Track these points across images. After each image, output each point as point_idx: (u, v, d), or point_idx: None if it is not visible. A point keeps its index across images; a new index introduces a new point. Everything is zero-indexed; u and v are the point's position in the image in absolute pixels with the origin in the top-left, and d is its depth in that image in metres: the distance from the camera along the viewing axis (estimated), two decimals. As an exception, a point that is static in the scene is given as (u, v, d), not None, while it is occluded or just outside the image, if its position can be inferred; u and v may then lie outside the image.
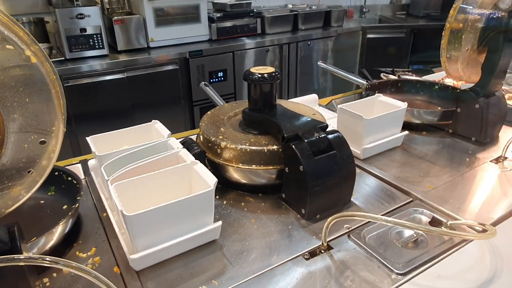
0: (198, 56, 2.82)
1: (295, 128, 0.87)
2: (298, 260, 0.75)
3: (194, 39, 2.98)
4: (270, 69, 0.93)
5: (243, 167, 0.90)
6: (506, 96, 1.39)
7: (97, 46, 2.58)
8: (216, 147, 0.93)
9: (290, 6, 3.61)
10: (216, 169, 0.95)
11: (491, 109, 1.15)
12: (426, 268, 0.72)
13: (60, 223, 0.74)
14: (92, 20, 2.50)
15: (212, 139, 0.94)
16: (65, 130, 0.67)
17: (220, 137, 0.94)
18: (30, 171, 0.65)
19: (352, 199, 0.93)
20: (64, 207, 0.87)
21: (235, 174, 0.93)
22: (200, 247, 0.79)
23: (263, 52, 3.14)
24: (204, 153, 0.93)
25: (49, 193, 0.91)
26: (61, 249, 0.78)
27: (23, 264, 0.57)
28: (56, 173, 0.90)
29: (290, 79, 3.40)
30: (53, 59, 2.50)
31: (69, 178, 0.89)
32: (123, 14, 2.79)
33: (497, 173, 1.03)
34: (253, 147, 0.89)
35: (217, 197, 0.95)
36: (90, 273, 0.51)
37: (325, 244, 0.77)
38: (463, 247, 0.77)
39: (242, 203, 0.93)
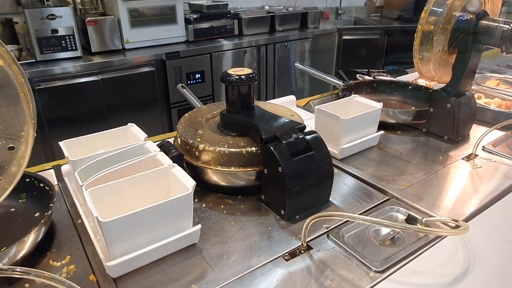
0: (175, 58, 2.79)
1: (274, 129, 0.87)
2: (278, 261, 0.75)
3: (171, 40, 2.95)
4: (248, 71, 0.93)
5: (222, 169, 0.90)
6: (476, 96, 1.44)
7: (69, 48, 2.51)
8: (194, 149, 0.92)
9: (267, 7, 3.63)
10: (195, 172, 0.94)
11: (462, 108, 1.19)
12: (403, 265, 0.73)
13: (32, 232, 0.71)
14: (64, 21, 2.43)
15: (190, 142, 0.93)
16: (36, 135, 0.65)
17: (198, 139, 0.93)
18: (-1, 178, 0.63)
19: (330, 198, 0.94)
20: (36, 214, 0.84)
21: (214, 176, 0.93)
22: (180, 251, 0.77)
23: (241, 53, 3.14)
24: (182, 156, 0.92)
25: (20, 201, 0.88)
26: (34, 258, 0.75)
27: (-8, 276, 0.54)
28: (27, 180, 0.86)
29: (268, 81, 3.42)
30: (23, 61, 2.41)
31: (41, 185, 0.86)
32: (96, 15, 2.73)
33: (469, 170, 1.06)
34: (231, 149, 0.89)
35: (196, 200, 0.94)
36: (63, 282, 0.49)
37: (305, 245, 0.78)
38: (437, 243, 0.79)
39: (222, 206, 0.92)
